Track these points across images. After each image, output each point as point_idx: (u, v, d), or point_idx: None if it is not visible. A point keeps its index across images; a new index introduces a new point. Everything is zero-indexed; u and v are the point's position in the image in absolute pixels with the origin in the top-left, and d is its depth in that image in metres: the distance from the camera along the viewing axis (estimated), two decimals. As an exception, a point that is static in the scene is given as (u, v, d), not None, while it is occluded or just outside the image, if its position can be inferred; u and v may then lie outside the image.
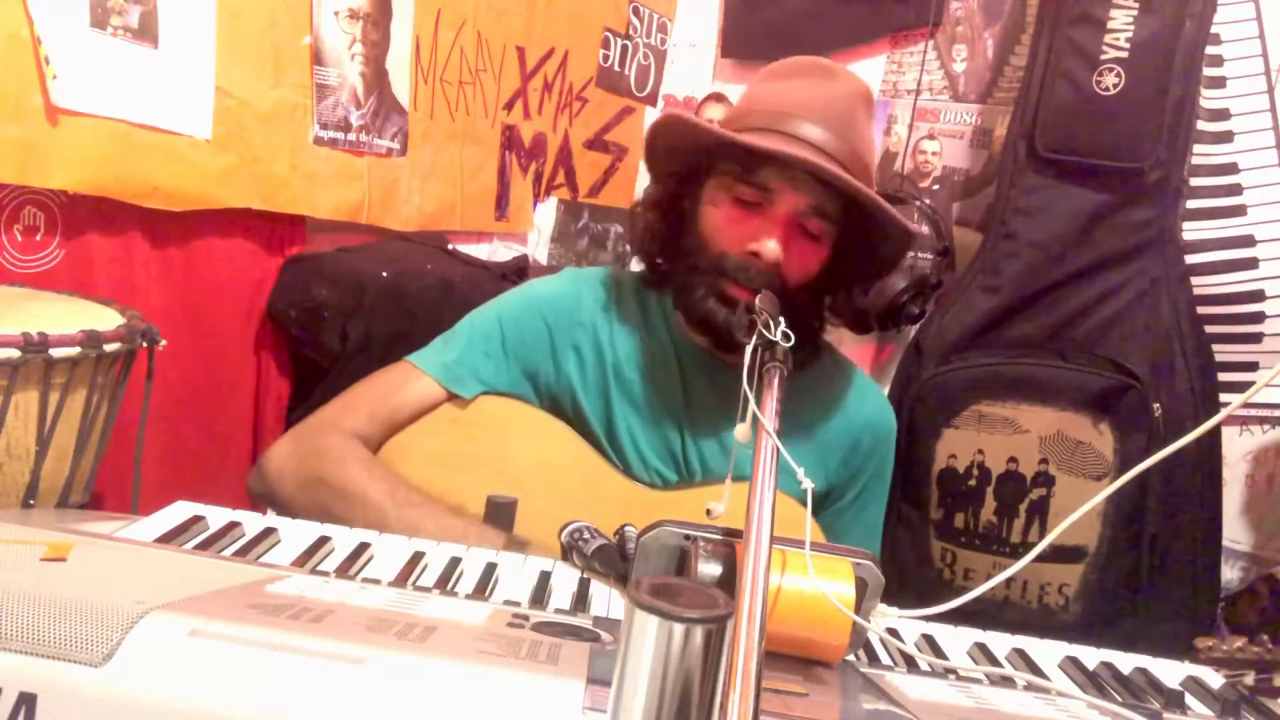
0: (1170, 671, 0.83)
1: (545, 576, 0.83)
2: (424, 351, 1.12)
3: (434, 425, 1.08)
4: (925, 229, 2.18)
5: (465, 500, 1.03)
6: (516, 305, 1.15)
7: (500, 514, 1.02)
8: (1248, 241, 1.93)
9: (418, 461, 1.06)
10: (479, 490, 1.04)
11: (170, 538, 0.77)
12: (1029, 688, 0.72)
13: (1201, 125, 1.90)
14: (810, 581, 0.66)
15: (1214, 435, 1.86)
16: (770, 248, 0.99)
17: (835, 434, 1.13)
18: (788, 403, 1.12)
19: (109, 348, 1.00)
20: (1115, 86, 1.77)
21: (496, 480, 1.03)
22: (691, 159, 1.07)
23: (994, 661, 0.81)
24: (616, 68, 2.44)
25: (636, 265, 1.18)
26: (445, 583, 0.79)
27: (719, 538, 0.72)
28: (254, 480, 1.08)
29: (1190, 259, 1.87)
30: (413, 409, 1.08)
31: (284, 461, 1.06)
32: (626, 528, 0.86)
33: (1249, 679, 0.79)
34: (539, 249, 2.36)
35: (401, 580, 0.76)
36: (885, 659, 0.78)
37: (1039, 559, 0.79)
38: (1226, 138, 1.93)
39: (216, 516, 0.84)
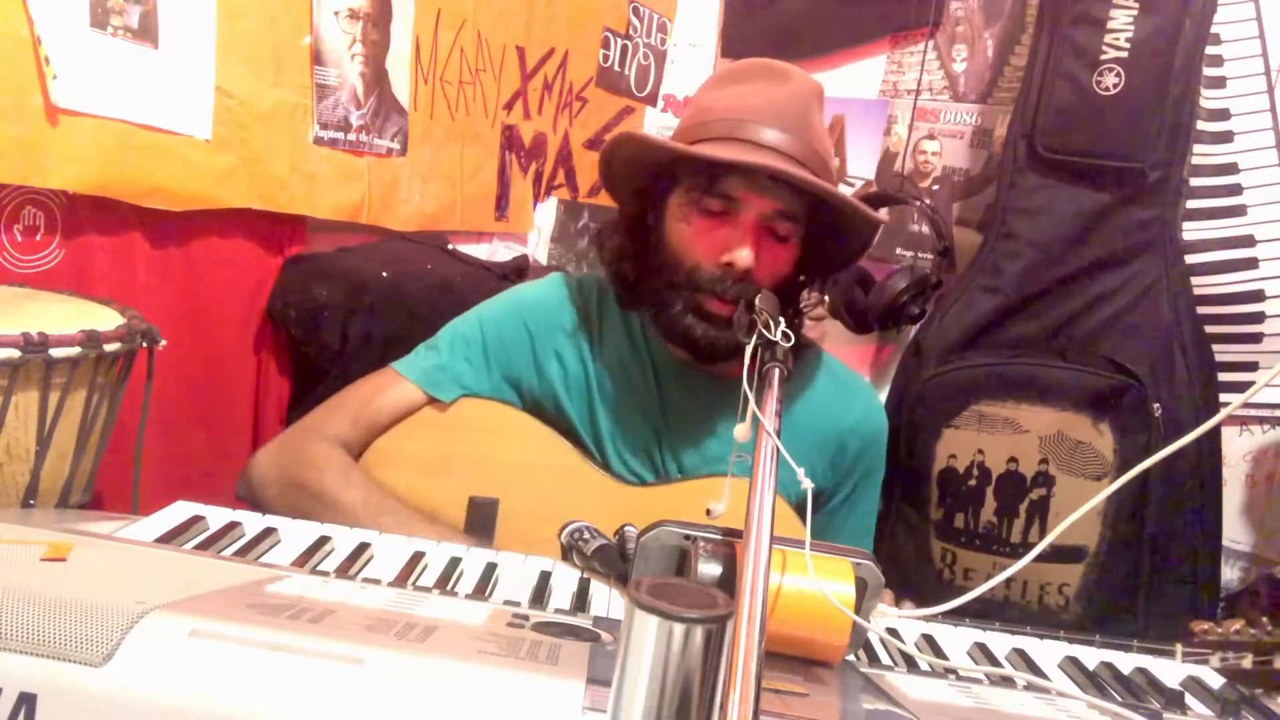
0: (1170, 671, 0.83)
1: (545, 576, 0.84)
2: (407, 358, 1.13)
3: (415, 429, 1.09)
4: (925, 229, 2.18)
5: (447, 502, 1.04)
6: (499, 311, 1.15)
7: (482, 514, 1.03)
8: (1248, 241, 1.93)
9: (400, 465, 1.07)
10: (461, 492, 1.04)
11: (170, 538, 0.77)
12: (1029, 688, 0.72)
13: (1201, 125, 1.90)
14: (810, 581, 0.66)
15: (1214, 435, 1.86)
16: (743, 257, 0.99)
17: (821, 437, 1.12)
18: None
19: (109, 348, 1.00)
20: (1115, 86, 1.77)
21: (478, 481, 1.04)
22: (652, 175, 1.07)
23: (994, 661, 0.81)
24: (616, 68, 2.44)
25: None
26: (445, 583, 0.79)
27: (719, 538, 0.72)
28: (240, 485, 1.10)
29: (1190, 259, 1.87)
30: (393, 413, 1.10)
31: (267, 467, 1.08)
32: (626, 528, 0.86)
33: (1246, 662, 0.79)
34: (539, 249, 2.36)
35: (401, 580, 0.76)
36: (885, 659, 0.78)
37: (1039, 559, 0.79)
38: (1226, 138, 1.93)
39: (216, 516, 0.84)
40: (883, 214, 1.05)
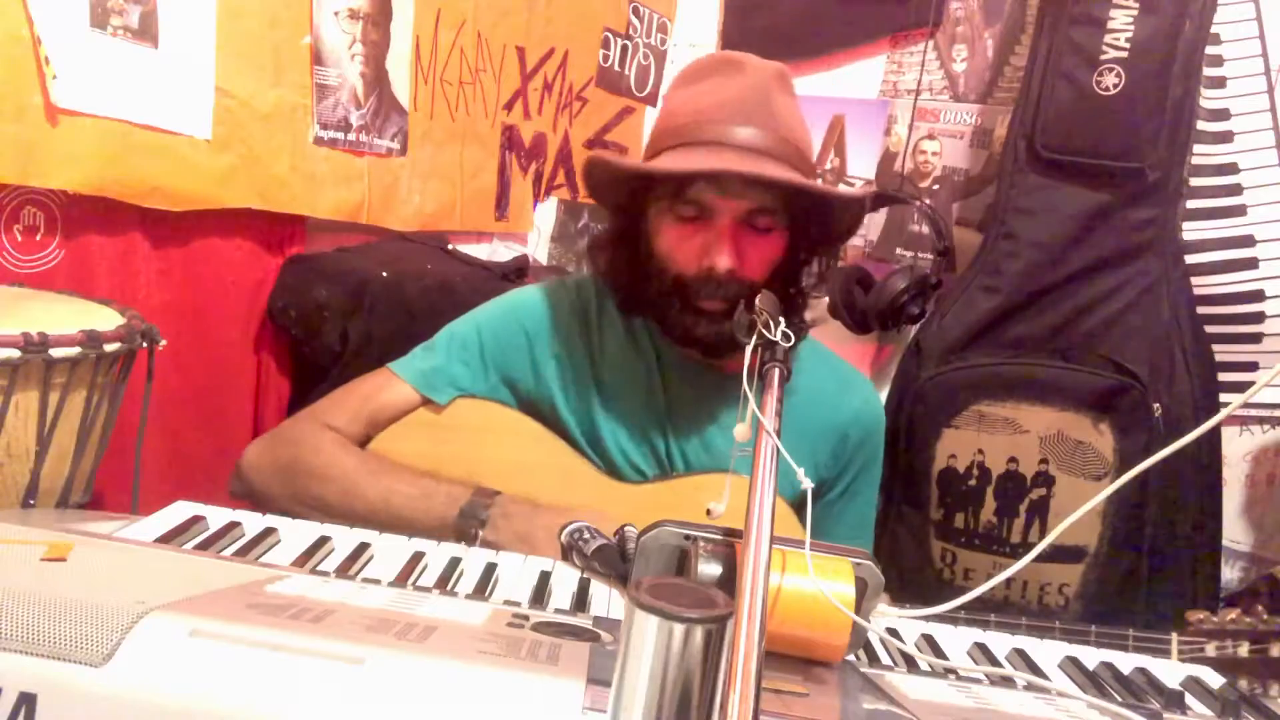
0: (1170, 671, 0.83)
1: (545, 576, 0.84)
2: (404, 359, 1.14)
3: (410, 429, 1.10)
4: (925, 229, 2.18)
5: None
6: (496, 315, 1.16)
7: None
8: (1248, 241, 1.93)
9: None
10: None
11: (170, 538, 0.77)
12: (1029, 688, 0.72)
13: (1201, 125, 1.90)
14: (810, 581, 0.66)
15: (1214, 435, 1.86)
16: (722, 261, 0.99)
17: (823, 428, 1.13)
18: None
19: (109, 348, 1.00)
20: (1115, 86, 1.77)
21: (474, 481, 1.04)
22: (628, 190, 1.07)
23: (994, 661, 0.81)
24: (616, 68, 2.44)
25: None
26: (445, 583, 0.79)
27: (719, 538, 0.72)
28: (234, 480, 1.10)
29: (1190, 259, 1.87)
30: (391, 413, 1.11)
31: (259, 454, 1.08)
32: (626, 528, 0.86)
33: (1243, 650, 0.79)
34: (539, 249, 2.36)
35: (401, 580, 0.76)
36: (885, 659, 0.78)
37: (1039, 559, 0.79)
38: (1226, 138, 1.93)
39: (216, 516, 0.84)
40: (861, 188, 1.05)
